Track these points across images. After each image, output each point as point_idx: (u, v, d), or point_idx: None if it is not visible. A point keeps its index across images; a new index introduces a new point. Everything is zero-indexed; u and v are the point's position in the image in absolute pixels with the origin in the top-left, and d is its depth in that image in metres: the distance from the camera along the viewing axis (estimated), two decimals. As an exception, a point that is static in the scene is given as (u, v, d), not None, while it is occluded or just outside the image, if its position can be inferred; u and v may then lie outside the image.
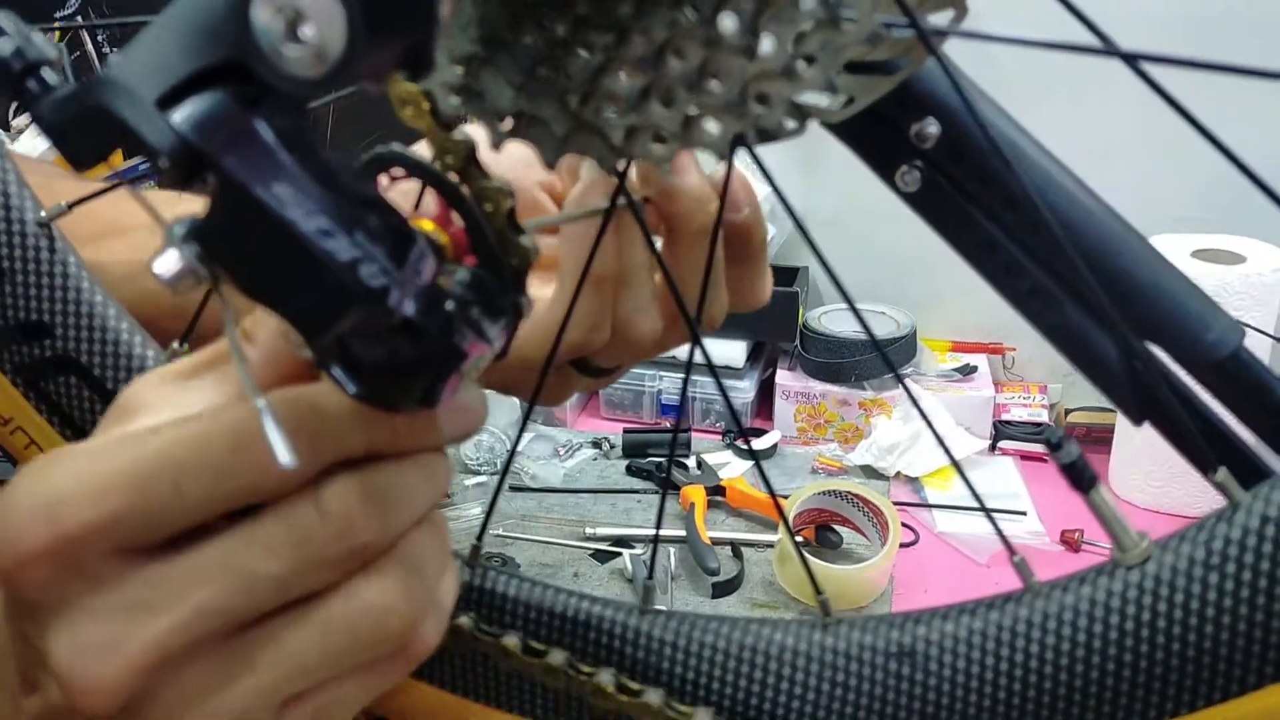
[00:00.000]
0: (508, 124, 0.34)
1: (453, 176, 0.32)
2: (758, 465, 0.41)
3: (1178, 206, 1.33)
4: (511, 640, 0.39)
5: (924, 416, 0.37)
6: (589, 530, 1.22)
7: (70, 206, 0.42)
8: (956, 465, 0.36)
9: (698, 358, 0.38)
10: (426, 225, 0.31)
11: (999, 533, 0.36)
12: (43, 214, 0.42)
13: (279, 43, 0.23)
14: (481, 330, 0.29)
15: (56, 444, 0.43)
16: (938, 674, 0.34)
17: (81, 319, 0.42)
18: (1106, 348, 0.40)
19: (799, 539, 1.15)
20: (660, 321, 0.45)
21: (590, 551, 1.20)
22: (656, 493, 1.32)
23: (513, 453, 0.43)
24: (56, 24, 1.58)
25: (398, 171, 0.32)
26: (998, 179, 0.39)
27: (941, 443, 0.37)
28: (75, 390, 0.43)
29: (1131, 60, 0.32)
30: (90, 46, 1.86)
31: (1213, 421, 0.39)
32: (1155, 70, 0.32)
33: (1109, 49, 0.32)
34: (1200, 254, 1.22)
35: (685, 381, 0.38)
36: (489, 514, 0.42)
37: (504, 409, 1.38)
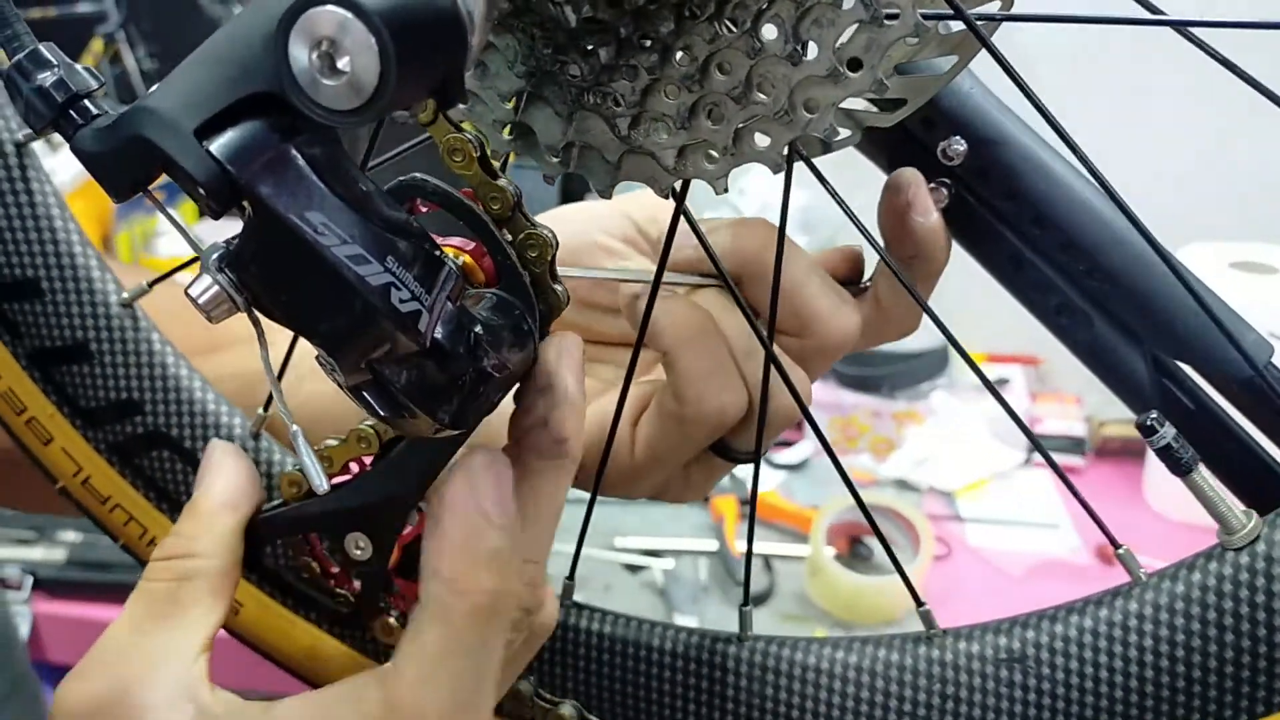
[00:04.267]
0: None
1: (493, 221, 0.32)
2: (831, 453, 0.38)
3: (1216, 214, 1.32)
4: (568, 711, 0.40)
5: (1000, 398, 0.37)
6: (619, 542, 1.23)
7: (150, 285, 0.43)
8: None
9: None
10: (449, 250, 0.32)
11: (1097, 522, 0.35)
12: (124, 295, 0.43)
13: (315, 76, 0.24)
14: (506, 353, 0.30)
15: (153, 518, 0.44)
16: (1050, 677, 0.34)
17: (169, 394, 0.43)
18: (1135, 364, 0.40)
19: (832, 553, 1.15)
20: (804, 383, 0.41)
21: (621, 564, 1.20)
22: (687, 504, 1.32)
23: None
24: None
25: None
26: (1025, 196, 0.39)
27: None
28: (169, 464, 0.44)
29: (1182, 28, 0.32)
30: (132, 61, 1.90)
31: (1240, 438, 0.39)
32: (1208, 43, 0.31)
33: (1157, 19, 0.32)
34: (1238, 265, 1.20)
35: (764, 386, 0.38)
36: (578, 550, 0.43)
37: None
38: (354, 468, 0.38)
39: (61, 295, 0.42)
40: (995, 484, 1.32)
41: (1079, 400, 1.44)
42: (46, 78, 0.27)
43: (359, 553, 0.37)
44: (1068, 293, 0.41)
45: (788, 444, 1.42)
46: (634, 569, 1.19)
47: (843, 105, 0.32)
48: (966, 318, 1.51)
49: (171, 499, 0.44)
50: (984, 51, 0.32)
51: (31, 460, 0.44)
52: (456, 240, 0.32)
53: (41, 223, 0.42)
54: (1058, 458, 1.35)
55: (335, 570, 0.39)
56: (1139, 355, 0.40)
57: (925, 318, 0.42)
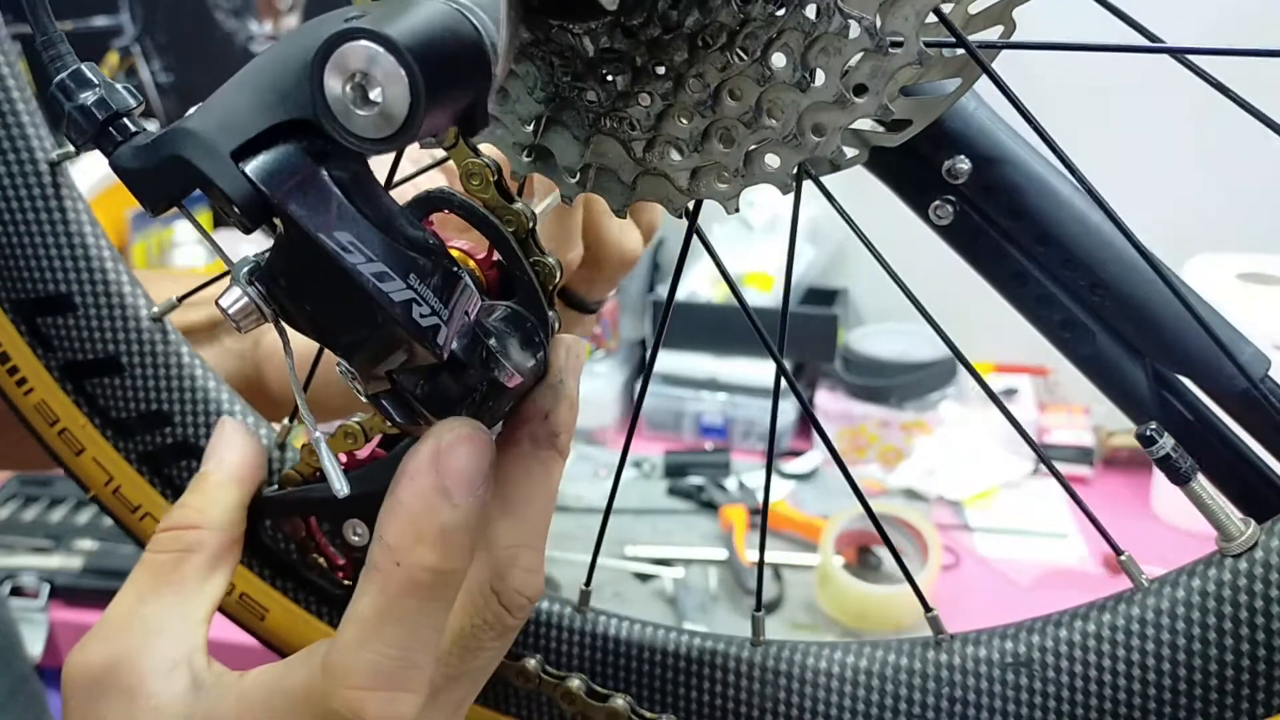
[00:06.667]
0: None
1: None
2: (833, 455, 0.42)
3: (1222, 226, 1.33)
4: (576, 684, 0.41)
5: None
6: (629, 550, 1.24)
7: (180, 300, 0.45)
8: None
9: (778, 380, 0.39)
10: (455, 253, 0.33)
11: (1100, 529, 0.36)
12: (155, 310, 0.44)
13: (348, 106, 0.25)
14: (518, 364, 0.31)
15: None
16: (1056, 681, 0.35)
17: (198, 405, 0.44)
18: (1137, 377, 0.41)
19: (841, 562, 1.16)
20: (638, 238, 0.56)
21: (632, 572, 1.21)
22: (697, 513, 1.33)
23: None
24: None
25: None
26: (1028, 215, 0.40)
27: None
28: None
29: (1180, 55, 0.33)
30: (147, 74, 1.92)
31: (1238, 449, 0.40)
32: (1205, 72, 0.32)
33: (1156, 46, 0.33)
34: (1245, 277, 1.21)
35: (775, 398, 0.39)
36: (594, 558, 0.44)
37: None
38: (343, 457, 0.39)
39: (94, 309, 0.43)
40: (1003, 493, 1.33)
41: (1087, 411, 1.45)
42: (88, 96, 0.28)
43: (357, 539, 0.38)
44: (1071, 308, 0.42)
45: (797, 454, 1.43)
46: (644, 578, 1.20)
47: (851, 126, 0.33)
48: (975, 329, 1.53)
49: None
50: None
51: (64, 470, 0.45)
52: (463, 244, 0.34)
53: (74, 239, 0.43)
54: (1066, 468, 1.38)
55: (341, 562, 0.41)
56: (1140, 368, 0.41)
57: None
